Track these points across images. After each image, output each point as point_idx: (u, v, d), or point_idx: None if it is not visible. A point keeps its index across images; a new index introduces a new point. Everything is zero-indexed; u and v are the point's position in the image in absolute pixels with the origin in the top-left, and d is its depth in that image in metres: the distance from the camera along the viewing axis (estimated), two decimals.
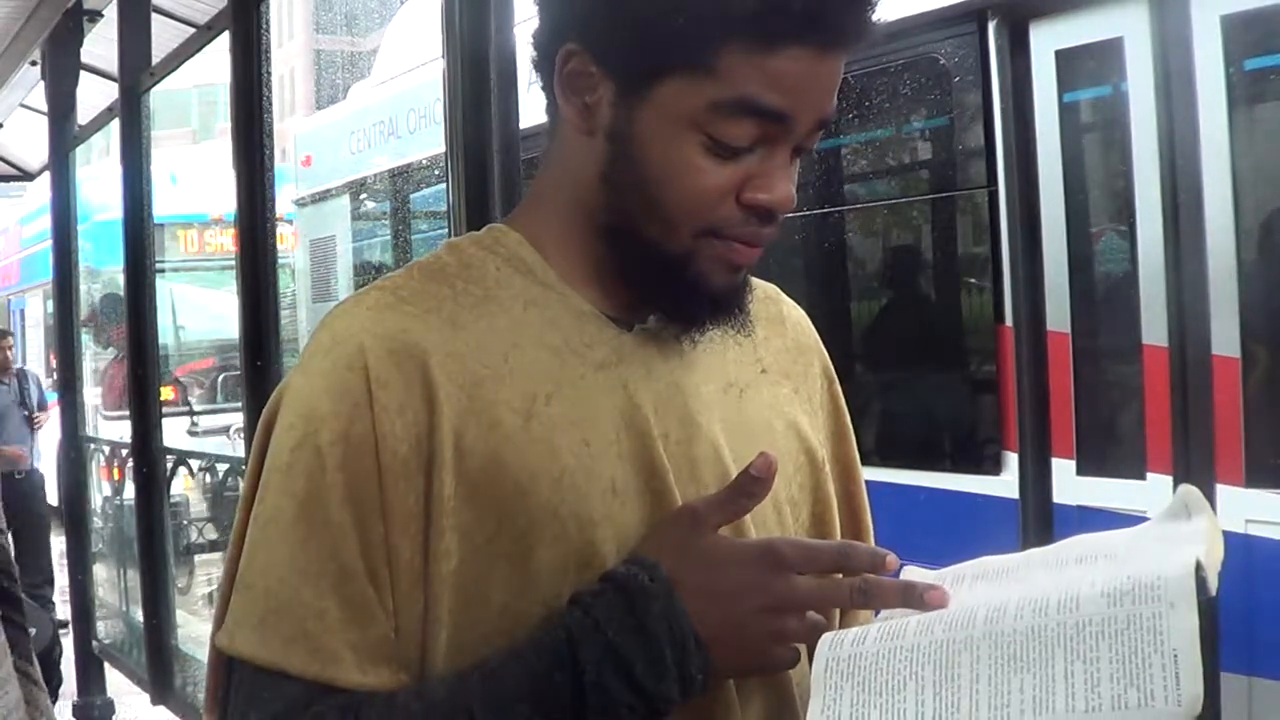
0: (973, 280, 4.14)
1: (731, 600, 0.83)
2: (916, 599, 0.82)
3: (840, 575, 0.88)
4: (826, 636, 0.81)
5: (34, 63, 5.36)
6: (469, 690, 0.83)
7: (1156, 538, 0.83)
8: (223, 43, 3.59)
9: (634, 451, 0.91)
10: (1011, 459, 3.67)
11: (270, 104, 3.34)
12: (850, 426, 1.10)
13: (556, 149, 0.96)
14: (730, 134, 0.86)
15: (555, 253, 0.95)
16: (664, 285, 0.92)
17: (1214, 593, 0.76)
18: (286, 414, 0.89)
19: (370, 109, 7.18)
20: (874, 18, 0.87)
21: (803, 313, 1.10)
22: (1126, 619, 0.74)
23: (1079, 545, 0.87)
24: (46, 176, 5.88)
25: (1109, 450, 3.66)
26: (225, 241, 10.79)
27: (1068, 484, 3.54)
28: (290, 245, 11.11)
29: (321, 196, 7.67)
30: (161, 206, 5.04)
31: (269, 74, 3.33)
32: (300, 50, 44.36)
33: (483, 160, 2.05)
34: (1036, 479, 3.08)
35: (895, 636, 0.80)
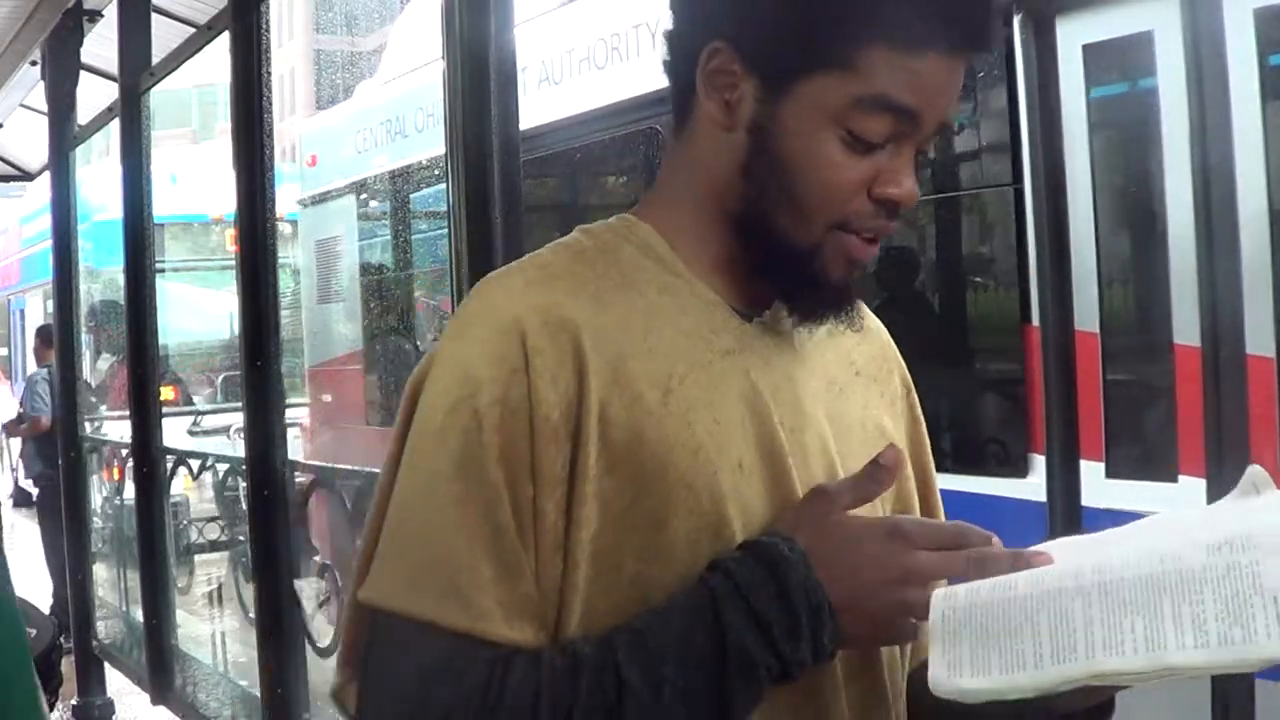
0: (998, 279, 4.07)
1: (861, 572, 0.89)
2: (1024, 563, 0.88)
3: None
4: (939, 592, 0.88)
5: (34, 63, 5.35)
6: (615, 648, 0.88)
7: (1236, 510, 0.89)
8: (223, 43, 3.59)
9: (757, 434, 0.97)
10: (1038, 461, 3.58)
11: (270, 104, 3.34)
12: (926, 435, 1.16)
13: (688, 145, 1.01)
14: (868, 129, 0.92)
15: (682, 244, 1.01)
16: (790, 276, 0.98)
17: None
18: (440, 379, 0.94)
19: (377, 108, 7.13)
20: (1000, 27, 0.94)
21: (882, 325, 1.16)
22: (1226, 567, 0.80)
23: (1157, 520, 0.93)
24: (46, 176, 5.88)
25: (1140, 452, 3.59)
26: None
27: (1097, 487, 3.43)
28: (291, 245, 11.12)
29: (327, 196, 7.58)
30: (164, 206, 5.04)
31: (269, 74, 3.33)
32: (300, 50, 44.35)
33: (483, 160, 2.05)
34: (1064, 481, 3.01)
35: (1006, 588, 0.86)
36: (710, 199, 1.00)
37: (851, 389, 1.07)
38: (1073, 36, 3.65)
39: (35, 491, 7.97)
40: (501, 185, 2.04)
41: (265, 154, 3.32)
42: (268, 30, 3.33)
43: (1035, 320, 3.59)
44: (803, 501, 0.95)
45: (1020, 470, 3.70)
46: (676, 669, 0.87)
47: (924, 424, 1.15)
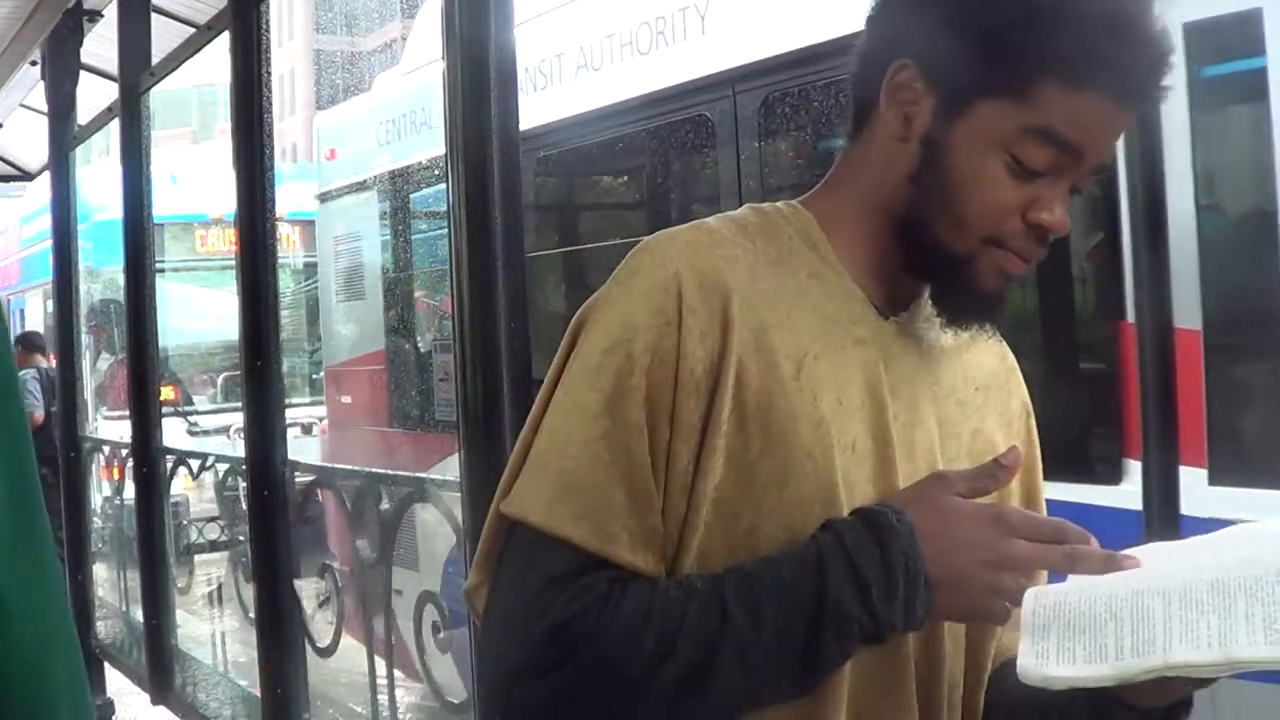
0: (1090, 273, 3.86)
1: (962, 551, 0.96)
2: (1115, 565, 0.96)
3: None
4: (1031, 590, 0.95)
5: (34, 63, 5.35)
6: (725, 586, 0.97)
7: None
8: (223, 43, 3.59)
9: (873, 421, 1.06)
10: (1134, 467, 3.32)
11: (270, 104, 3.34)
12: (1040, 461, 1.23)
13: (863, 149, 1.10)
14: (1031, 157, 1.01)
15: (839, 238, 1.10)
16: (944, 278, 1.07)
17: None
18: (602, 320, 1.03)
19: (400, 99, 6.84)
20: (1166, 84, 1.03)
21: (1009, 351, 1.24)
22: None
23: (1246, 529, 1.01)
24: (46, 176, 5.88)
25: (1246, 457, 3.40)
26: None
27: (1198, 494, 3.17)
28: (290, 245, 11.10)
29: (347, 191, 7.23)
30: (172, 206, 5.02)
31: (269, 74, 3.33)
32: (300, 50, 44.34)
33: (483, 160, 2.05)
34: (1162, 489, 2.80)
35: (1094, 587, 0.93)
36: (875, 200, 1.09)
37: (970, 404, 1.15)
38: (1174, 14, 3.32)
39: None
40: (501, 185, 2.04)
41: (265, 154, 3.32)
42: (268, 30, 3.33)
43: (1130, 316, 3.33)
44: (920, 481, 1.02)
45: (1113, 477, 3.52)
46: (777, 611, 0.95)
47: (1039, 450, 1.23)
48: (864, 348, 1.07)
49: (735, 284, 1.02)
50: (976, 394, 1.16)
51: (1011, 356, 1.23)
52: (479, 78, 2.06)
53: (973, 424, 1.15)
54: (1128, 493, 3.32)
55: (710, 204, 4.60)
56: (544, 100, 5.15)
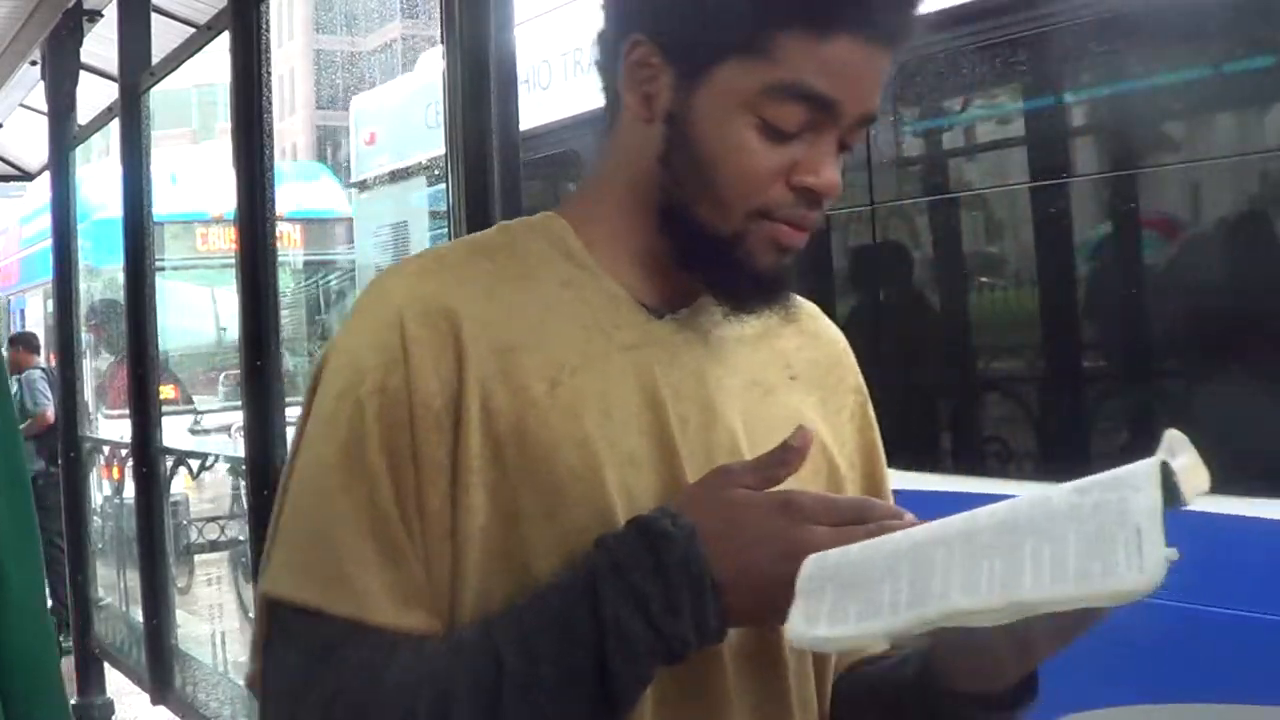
0: None
1: (750, 548, 0.87)
2: None
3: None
4: (812, 556, 0.85)
5: (34, 63, 5.35)
6: (495, 632, 0.88)
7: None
8: (223, 43, 3.59)
9: (652, 429, 0.96)
10: None
11: (270, 104, 3.34)
12: (881, 445, 1.13)
13: (613, 140, 1.02)
14: (781, 117, 0.92)
15: (600, 240, 1.01)
16: (714, 265, 0.97)
17: (1187, 504, 0.79)
18: (332, 367, 0.96)
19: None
20: (918, 16, 0.93)
21: (840, 333, 1.15)
22: (1094, 505, 0.78)
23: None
24: (46, 176, 5.88)
25: None
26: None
27: None
28: (290, 243, 11.06)
29: (390, 178, 6.80)
30: (173, 205, 5.00)
31: (269, 74, 3.33)
32: (300, 50, 44.36)
33: (483, 160, 2.05)
34: None
35: (877, 546, 0.84)
36: (631, 192, 1.00)
37: (783, 393, 1.05)
38: None
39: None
40: (501, 185, 2.04)
41: (265, 154, 3.32)
42: (268, 30, 3.33)
43: None
44: (700, 479, 0.92)
45: None
46: (553, 646, 0.86)
47: (878, 434, 1.13)
48: (634, 353, 0.97)
49: (465, 308, 0.94)
50: (793, 383, 1.07)
51: (843, 338, 1.14)
52: (479, 78, 2.06)
53: (787, 415, 1.02)
54: None
55: None
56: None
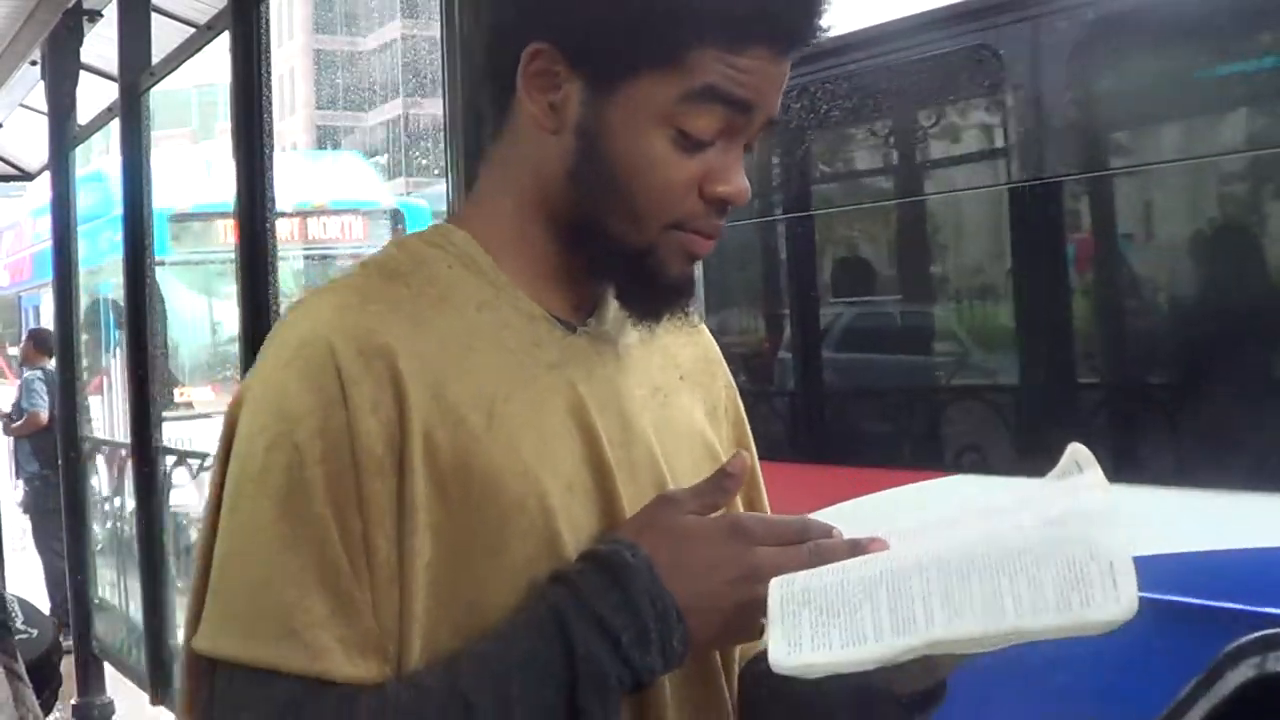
0: None
1: (705, 573, 0.88)
2: (862, 551, 0.88)
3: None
4: (775, 580, 0.86)
5: (34, 63, 5.35)
6: (460, 674, 0.86)
7: (1063, 488, 0.92)
8: (223, 43, 3.59)
9: (585, 452, 0.95)
10: None
11: (270, 104, 3.33)
12: (751, 438, 1.14)
13: (509, 149, 0.99)
14: (698, 125, 0.91)
15: (503, 252, 0.98)
16: (626, 276, 0.96)
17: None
18: (255, 416, 0.90)
19: None
20: (823, 27, 0.94)
21: (708, 332, 1.15)
22: (1062, 538, 0.83)
23: (989, 499, 0.95)
24: (46, 176, 5.87)
25: None
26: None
27: None
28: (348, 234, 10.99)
29: None
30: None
31: (269, 74, 3.33)
32: (300, 50, 44.36)
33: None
34: None
35: (844, 571, 0.86)
36: (534, 204, 0.97)
37: (677, 394, 1.05)
38: None
39: (28, 491, 7.92)
40: None
41: (265, 154, 3.32)
42: (268, 30, 3.33)
43: None
44: (645, 508, 0.93)
45: None
46: (525, 687, 0.85)
47: (748, 426, 1.14)
48: (557, 371, 0.96)
49: (399, 344, 0.90)
50: (683, 383, 1.07)
51: (707, 333, 1.13)
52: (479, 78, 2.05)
53: (686, 419, 1.05)
54: None
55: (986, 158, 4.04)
56: None
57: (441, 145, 2.14)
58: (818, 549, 0.88)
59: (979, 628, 0.81)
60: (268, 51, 3.33)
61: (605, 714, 0.86)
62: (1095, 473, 0.91)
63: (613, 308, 1.00)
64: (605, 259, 0.96)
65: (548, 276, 0.98)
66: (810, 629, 0.83)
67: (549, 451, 0.93)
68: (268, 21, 3.33)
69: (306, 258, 11.14)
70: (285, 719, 0.86)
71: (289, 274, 11.22)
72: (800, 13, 0.93)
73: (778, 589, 0.85)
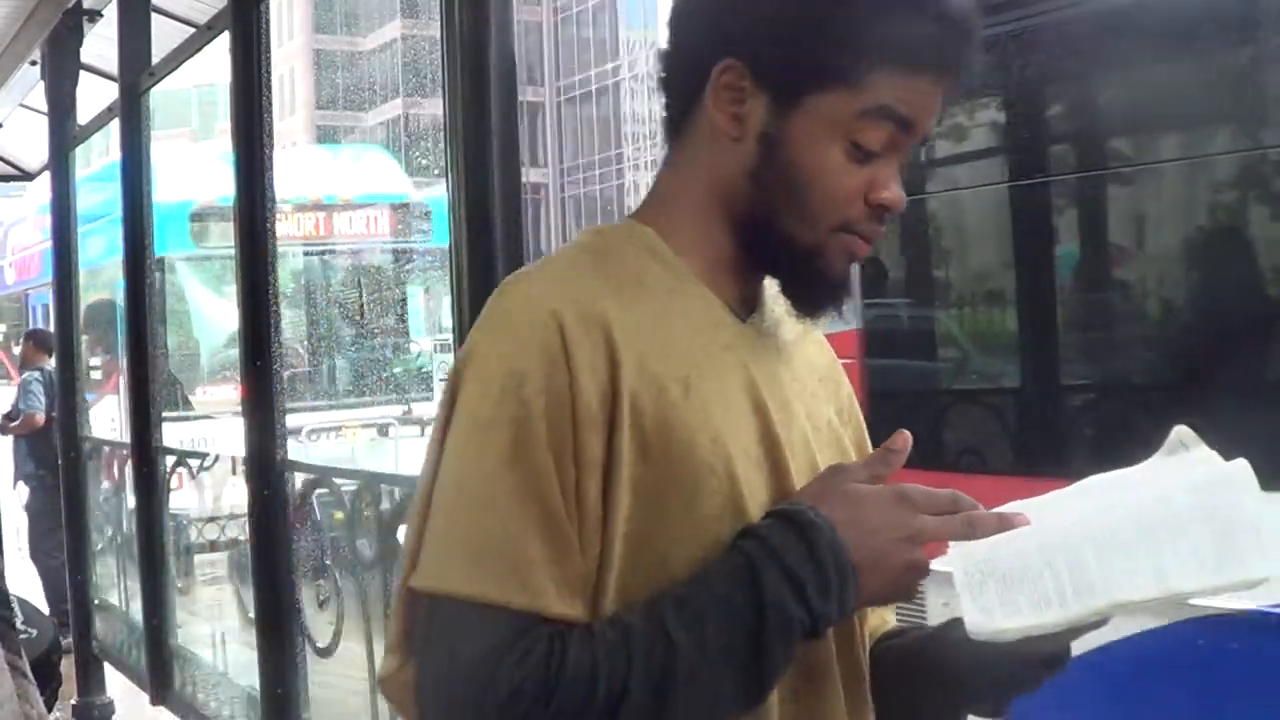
0: None
1: (875, 534, 0.98)
2: (1008, 523, 0.99)
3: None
4: (954, 554, 0.97)
5: (34, 63, 5.35)
6: (662, 615, 0.96)
7: (1175, 464, 1.01)
8: (223, 43, 3.59)
9: (759, 425, 1.07)
10: None
11: (270, 104, 3.34)
12: (868, 439, 1.25)
13: (692, 153, 1.10)
14: (870, 139, 1.03)
15: (684, 248, 1.09)
16: (794, 273, 1.08)
17: None
18: (481, 373, 1.01)
19: None
20: (980, 56, 1.07)
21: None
22: (1213, 506, 0.95)
23: (1121, 476, 1.04)
24: (46, 176, 5.87)
25: None
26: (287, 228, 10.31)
27: None
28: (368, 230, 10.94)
29: None
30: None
31: (269, 74, 3.33)
32: (300, 50, 44.36)
33: (483, 160, 2.05)
34: None
35: (1017, 541, 0.97)
36: (713, 203, 1.09)
37: (819, 395, 1.17)
38: None
39: (26, 492, 7.91)
40: (501, 185, 2.04)
41: (265, 154, 3.32)
42: (268, 30, 3.33)
43: None
44: (820, 475, 1.05)
45: None
46: (719, 627, 0.95)
47: (867, 432, 1.25)
48: (733, 353, 1.08)
49: (611, 313, 1.01)
50: (820, 384, 1.19)
51: (828, 342, 1.25)
52: (479, 77, 2.06)
53: (824, 415, 1.17)
54: None
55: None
56: None
57: (441, 145, 2.14)
58: (970, 519, 0.99)
59: (1153, 590, 0.93)
60: (268, 51, 3.33)
61: (785, 654, 0.97)
62: (1203, 449, 1.00)
63: (770, 305, 1.13)
64: (777, 255, 1.08)
65: (721, 270, 1.10)
66: (998, 597, 0.95)
67: (731, 422, 1.04)
68: (268, 21, 3.33)
69: (331, 252, 11.08)
70: (503, 650, 0.94)
71: (316, 267, 11.17)
72: (963, 46, 1.05)
73: (959, 561, 0.97)
